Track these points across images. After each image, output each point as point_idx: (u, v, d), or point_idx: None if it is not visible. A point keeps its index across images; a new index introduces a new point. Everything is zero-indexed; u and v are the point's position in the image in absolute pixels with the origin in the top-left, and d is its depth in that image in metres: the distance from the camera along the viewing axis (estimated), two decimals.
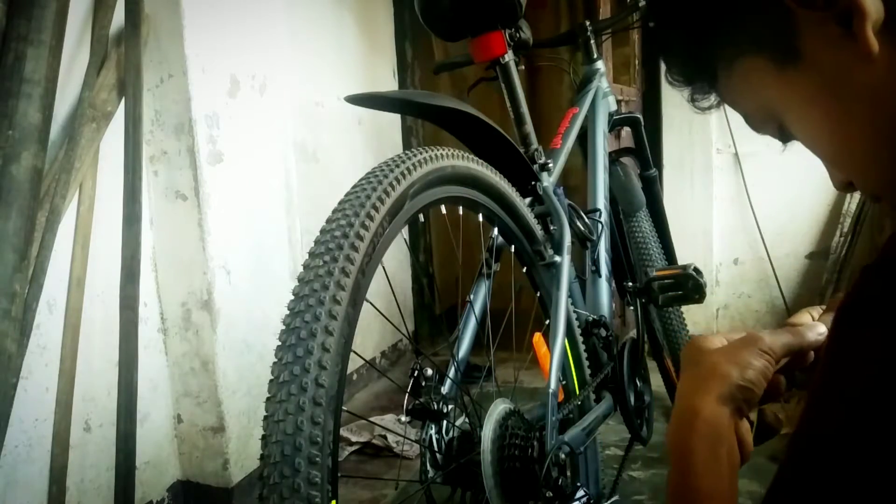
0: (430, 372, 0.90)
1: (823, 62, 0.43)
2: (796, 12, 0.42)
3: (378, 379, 2.84)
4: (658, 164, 2.80)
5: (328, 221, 0.73)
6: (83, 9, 1.53)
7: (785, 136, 0.51)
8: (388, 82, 3.07)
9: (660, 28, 0.54)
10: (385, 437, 2.18)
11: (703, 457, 0.52)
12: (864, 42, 0.40)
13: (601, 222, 1.52)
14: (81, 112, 1.50)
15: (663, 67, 0.54)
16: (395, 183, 0.79)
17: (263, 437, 0.61)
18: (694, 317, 2.71)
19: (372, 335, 2.91)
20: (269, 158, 1.99)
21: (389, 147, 3.05)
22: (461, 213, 1.01)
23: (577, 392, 1.23)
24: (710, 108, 0.54)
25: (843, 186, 0.52)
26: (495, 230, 1.09)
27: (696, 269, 1.36)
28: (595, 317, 1.36)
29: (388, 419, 2.38)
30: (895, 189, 0.46)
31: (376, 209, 0.75)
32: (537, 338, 1.27)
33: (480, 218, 1.05)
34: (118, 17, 1.58)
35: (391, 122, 3.11)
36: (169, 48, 1.67)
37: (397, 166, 0.82)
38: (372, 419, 2.17)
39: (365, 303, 0.74)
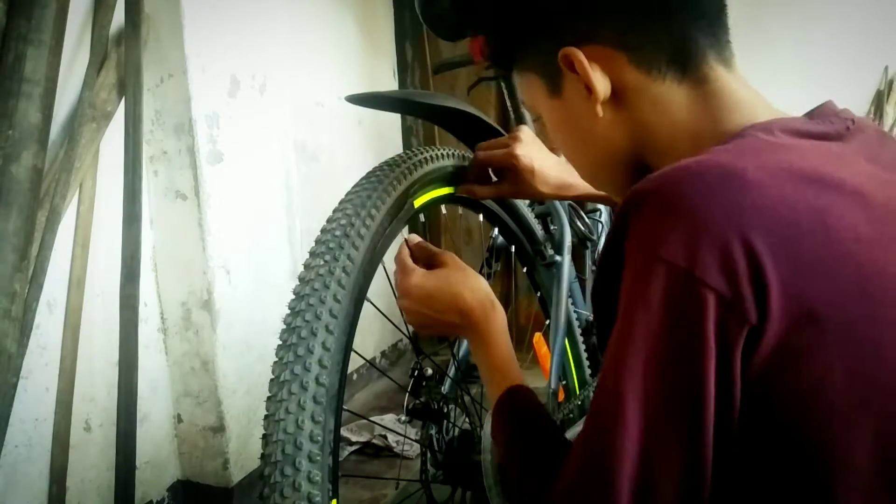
0: (430, 371, 0.90)
1: (573, 105, 0.63)
2: (565, 70, 0.62)
3: (378, 379, 2.84)
4: None
5: (329, 221, 0.73)
6: (83, 9, 1.53)
7: None
8: (388, 82, 3.07)
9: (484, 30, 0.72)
10: (385, 437, 2.18)
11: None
12: (593, 108, 0.61)
13: (601, 222, 1.52)
14: (81, 112, 1.50)
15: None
16: (395, 183, 0.79)
17: (264, 436, 0.61)
18: None
19: (372, 335, 2.91)
20: (269, 158, 1.99)
21: (389, 147, 3.05)
22: (461, 212, 1.01)
23: (578, 392, 1.23)
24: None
25: None
26: (496, 230, 1.09)
27: None
28: None
29: (388, 419, 2.38)
30: (613, 192, 0.71)
31: (377, 209, 0.75)
32: (537, 338, 1.27)
33: (481, 218, 1.06)
34: (118, 17, 1.58)
35: (391, 122, 3.11)
36: (169, 48, 1.67)
37: (397, 166, 0.82)
38: (372, 419, 2.17)
39: (365, 302, 0.74)
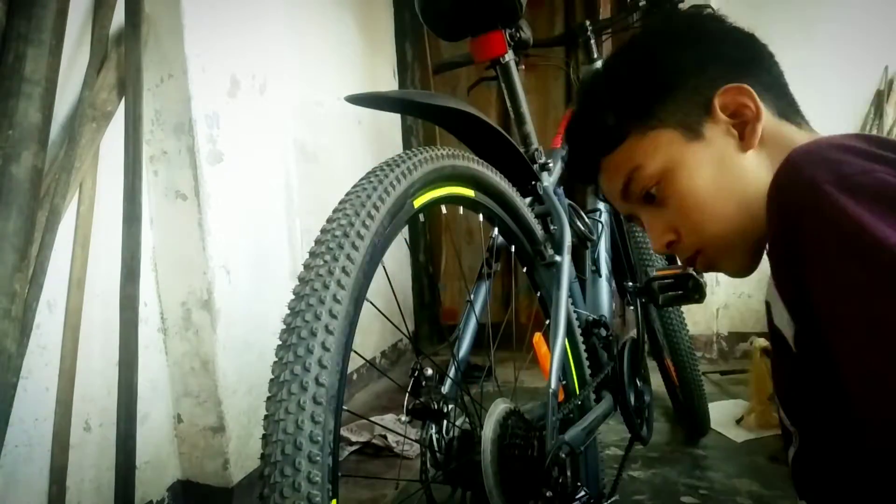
0: (430, 372, 0.90)
1: (716, 144, 0.65)
2: (715, 113, 0.66)
3: (378, 379, 2.84)
4: None
5: (329, 221, 0.73)
6: (83, 9, 1.53)
7: (650, 198, 0.72)
8: (388, 82, 3.07)
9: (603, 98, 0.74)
10: (385, 437, 2.18)
11: None
12: (749, 142, 0.63)
13: (601, 222, 1.52)
14: (81, 112, 1.50)
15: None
16: (395, 183, 0.79)
17: (264, 437, 0.61)
18: (694, 316, 2.71)
19: (372, 335, 2.91)
20: (269, 158, 1.99)
21: (389, 147, 3.05)
22: (461, 212, 1.01)
23: (578, 392, 1.23)
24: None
25: (665, 246, 0.77)
26: (495, 230, 1.09)
27: (696, 269, 1.36)
28: (595, 317, 1.36)
29: (388, 419, 2.38)
30: (729, 245, 0.70)
31: (377, 209, 0.75)
32: (537, 338, 1.27)
33: (481, 218, 1.05)
34: (118, 17, 1.58)
35: (391, 122, 3.11)
36: (169, 48, 1.67)
37: (397, 166, 0.82)
38: (372, 419, 2.17)
39: (365, 303, 0.74)
